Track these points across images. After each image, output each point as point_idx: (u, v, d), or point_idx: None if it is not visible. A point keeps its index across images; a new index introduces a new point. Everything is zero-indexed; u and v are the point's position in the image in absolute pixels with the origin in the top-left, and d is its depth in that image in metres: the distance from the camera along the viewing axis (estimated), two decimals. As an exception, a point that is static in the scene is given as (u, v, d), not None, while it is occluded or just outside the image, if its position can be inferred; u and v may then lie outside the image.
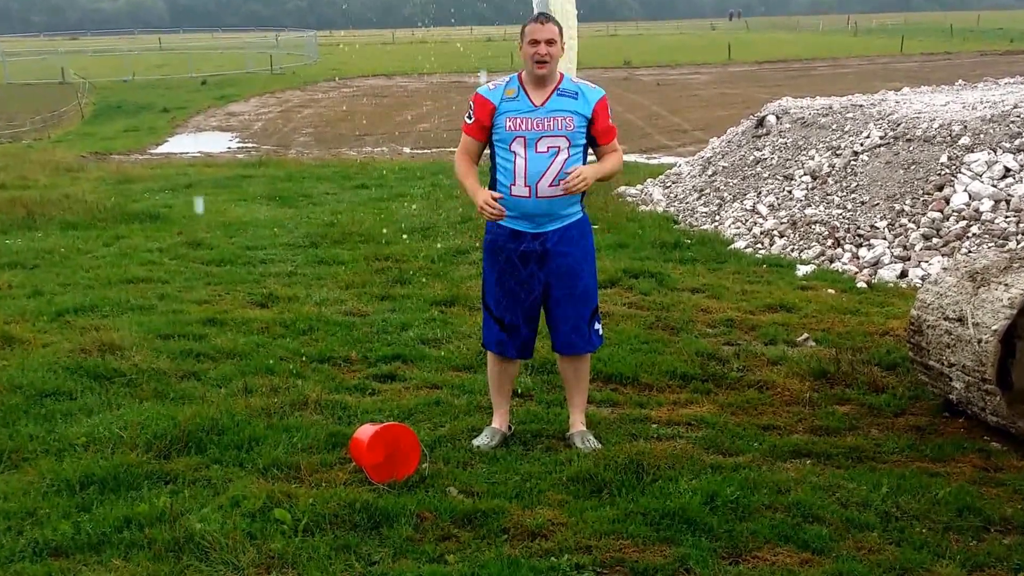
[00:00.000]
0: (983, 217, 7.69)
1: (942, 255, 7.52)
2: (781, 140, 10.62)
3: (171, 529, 3.55)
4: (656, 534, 3.58)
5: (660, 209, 10.73)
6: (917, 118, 9.26)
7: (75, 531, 3.57)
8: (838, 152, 9.56)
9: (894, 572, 3.35)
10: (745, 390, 5.16)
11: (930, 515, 3.71)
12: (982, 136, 8.45)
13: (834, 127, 10.12)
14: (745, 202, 9.73)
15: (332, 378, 5.37)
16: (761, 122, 11.28)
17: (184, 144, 22.04)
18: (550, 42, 4.16)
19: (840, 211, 8.62)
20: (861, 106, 10.47)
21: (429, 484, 3.98)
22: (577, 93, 4.24)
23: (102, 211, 10.75)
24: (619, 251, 8.50)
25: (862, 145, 9.35)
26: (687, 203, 10.63)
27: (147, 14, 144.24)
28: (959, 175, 8.16)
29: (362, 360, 5.69)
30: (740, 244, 8.81)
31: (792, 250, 8.42)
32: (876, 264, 7.73)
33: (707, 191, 10.64)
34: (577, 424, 4.51)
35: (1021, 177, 7.90)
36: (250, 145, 21.46)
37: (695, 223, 9.92)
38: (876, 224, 8.20)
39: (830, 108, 10.76)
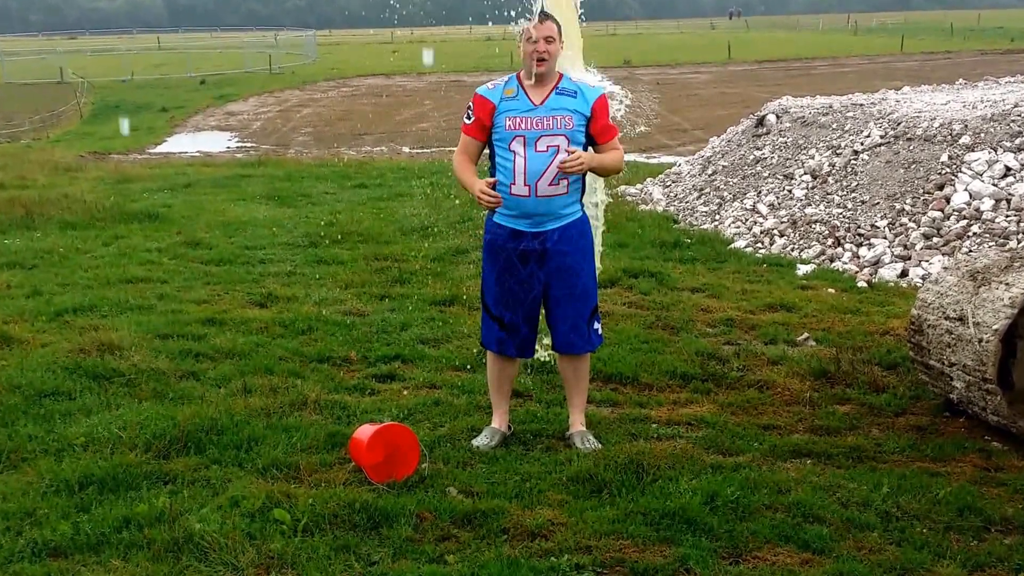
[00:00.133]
0: (984, 216, 7.69)
1: (943, 254, 7.52)
2: (781, 139, 10.61)
3: (170, 529, 3.54)
4: (656, 534, 3.57)
5: (660, 208, 10.72)
6: (917, 117, 9.25)
7: (74, 531, 3.56)
8: (838, 151, 9.55)
9: (895, 572, 3.35)
10: (745, 390, 5.16)
11: (931, 515, 3.70)
12: (983, 135, 8.44)
13: (834, 126, 10.12)
14: (745, 201, 9.72)
15: (331, 378, 5.36)
16: (761, 121, 11.27)
17: (183, 144, 22.03)
18: (548, 40, 4.15)
19: (840, 210, 8.62)
20: (861, 105, 10.46)
21: (429, 484, 3.97)
22: (576, 92, 4.24)
23: (101, 211, 10.73)
24: (619, 250, 8.49)
25: (862, 144, 9.34)
26: (687, 202, 10.63)
27: (146, 13, 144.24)
28: (960, 174, 8.15)
29: (361, 360, 5.68)
30: (740, 243, 8.80)
31: (792, 249, 8.41)
32: (876, 263, 7.72)
33: (707, 190, 10.63)
34: (577, 424, 4.51)
35: (1022, 176, 7.89)
36: (249, 145, 21.45)
37: (695, 222, 9.91)
38: (876, 223, 8.19)
39: (830, 107, 10.76)
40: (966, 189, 7.98)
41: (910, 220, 8.03)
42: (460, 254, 8.47)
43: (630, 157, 15.58)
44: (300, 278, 7.77)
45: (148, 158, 19.03)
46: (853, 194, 8.76)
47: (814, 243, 8.34)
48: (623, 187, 12.00)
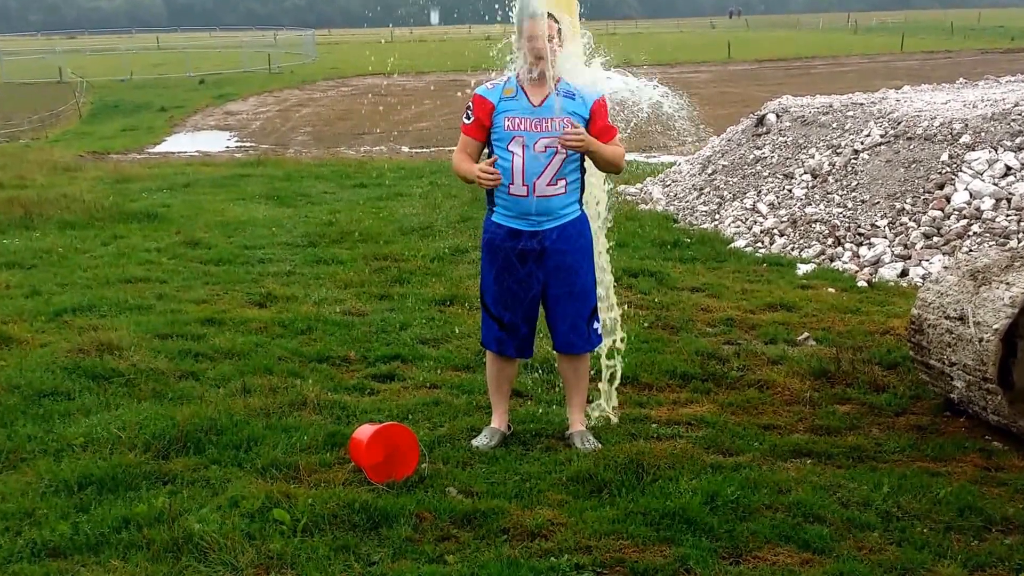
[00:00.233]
0: (984, 216, 7.68)
1: (943, 254, 7.51)
2: (781, 139, 10.60)
3: (169, 529, 3.54)
4: (656, 534, 3.57)
5: (660, 208, 10.71)
6: (918, 116, 9.24)
7: (73, 532, 3.56)
8: (838, 151, 9.54)
9: (895, 572, 3.34)
10: (745, 389, 5.15)
11: (931, 515, 3.70)
12: (983, 134, 8.43)
13: (834, 125, 10.11)
14: (745, 201, 9.72)
15: (331, 378, 5.36)
16: (761, 120, 11.26)
17: (182, 143, 22.00)
18: (548, 37, 4.14)
19: (840, 210, 8.61)
20: (861, 104, 10.45)
21: (428, 484, 3.96)
22: (575, 94, 4.24)
23: (100, 210, 10.72)
24: (618, 250, 8.46)
25: (863, 143, 9.34)
26: (687, 202, 10.62)
27: (145, 13, 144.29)
28: (960, 173, 8.15)
29: (361, 360, 5.67)
30: (740, 243, 8.79)
31: (792, 249, 8.40)
32: (877, 263, 7.72)
33: (707, 190, 10.62)
34: (577, 424, 4.50)
35: (1022, 175, 7.88)
36: (248, 144, 21.42)
37: (695, 222, 9.90)
38: (877, 223, 8.19)
39: (830, 106, 10.74)
40: (966, 188, 7.97)
41: (910, 219, 8.02)
42: (459, 254, 8.46)
43: (630, 156, 15.57)
44: (299, 278, 7.76)
45: (147, 158, 19.00)
46: (853, 193, 8.75)
47: (814, 242, 8.33)
48: (623, 186, 11.98)
